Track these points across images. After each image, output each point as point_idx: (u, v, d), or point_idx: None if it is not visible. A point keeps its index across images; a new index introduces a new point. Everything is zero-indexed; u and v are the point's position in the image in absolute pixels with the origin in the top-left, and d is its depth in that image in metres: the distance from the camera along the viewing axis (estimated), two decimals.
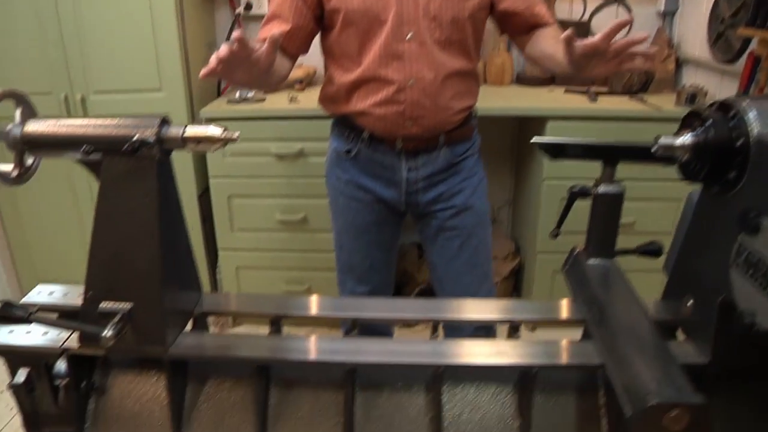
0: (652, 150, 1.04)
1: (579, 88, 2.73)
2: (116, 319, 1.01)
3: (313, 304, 1.22)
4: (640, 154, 1.19)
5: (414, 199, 1.73)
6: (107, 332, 0.98)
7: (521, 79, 2.92)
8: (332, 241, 1.92)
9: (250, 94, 2.52)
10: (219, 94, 2.86)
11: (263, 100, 2.55)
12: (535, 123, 2.54)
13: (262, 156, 2.43)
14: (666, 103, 2.50)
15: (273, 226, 2.51)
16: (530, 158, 2.70)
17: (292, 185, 2.45)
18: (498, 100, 2.59)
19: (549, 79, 2.87)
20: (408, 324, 2.60)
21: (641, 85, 2.67)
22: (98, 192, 1.01)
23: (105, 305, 1.03)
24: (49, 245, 2.72)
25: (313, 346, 1.09)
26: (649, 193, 2.32)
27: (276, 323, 1.21)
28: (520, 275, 2.91)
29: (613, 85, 2.72)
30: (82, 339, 1.06)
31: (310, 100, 2.50)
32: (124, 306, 1.02)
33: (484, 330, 1.81)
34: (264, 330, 1.18)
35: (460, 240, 1.76)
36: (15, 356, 1.12)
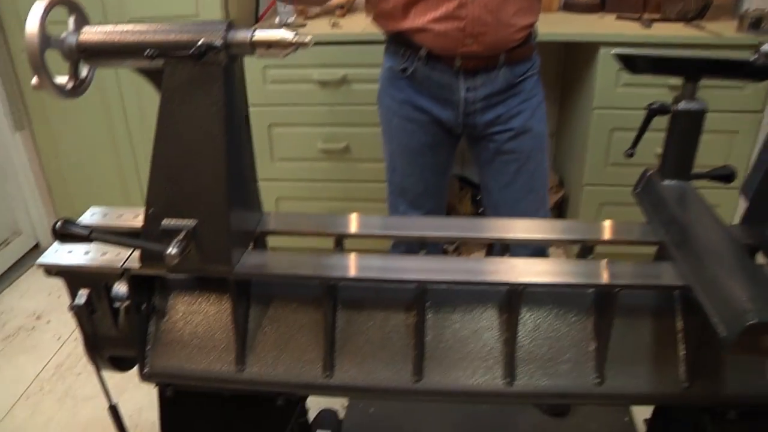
0: (752, 59, 0.96)
1: (631, 14, 2.59)
2: (180, 236, 0.96)
3: (377, 223, 1.17)
4: (728, 68, 1.11)
5: (471, 121, 1.66)
6: (171, 250, 0.93)
7: (569, 6, 2.78)
8: (375, 171, 1.86)
9: (291, 20, 2.43)
10: (257, 20, 2.76)
11: (304, 25, 2.45)
12: (584, 50, 2.43)
13: (304, 83, 2.35)
14: (726, 30, 2.36)
15: (314, 156, 2.45)
16: (579, 87, 2.59)
17: (335, 113, 2.38)
18: (544, 26, 2.47)
19: (599, 5, 2.73)
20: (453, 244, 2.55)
21: (698, 12, 2.52)
22: (160, 103, 0.95)
23: (168, 222, 0.98)
24: (83, 174, 2.69)
25: (383, 265, 1.04)
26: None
27: (340, 242, 1.16)
28: (564, 208, 2.85)
29: (666, 11, 2.57)
30: (144, 258, 1.02)
31: (352, 25, 2.40)
32: (188, 223, 0.98)
33: (540, 254, 1.77)
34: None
35: (518, 164, 1.69)
36: (75, 277, 1.09)
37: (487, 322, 1.10)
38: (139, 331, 1.11)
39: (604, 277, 1.03)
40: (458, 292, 1.11)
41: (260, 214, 1.16)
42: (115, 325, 1.13)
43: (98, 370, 1.20)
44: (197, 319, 1.12)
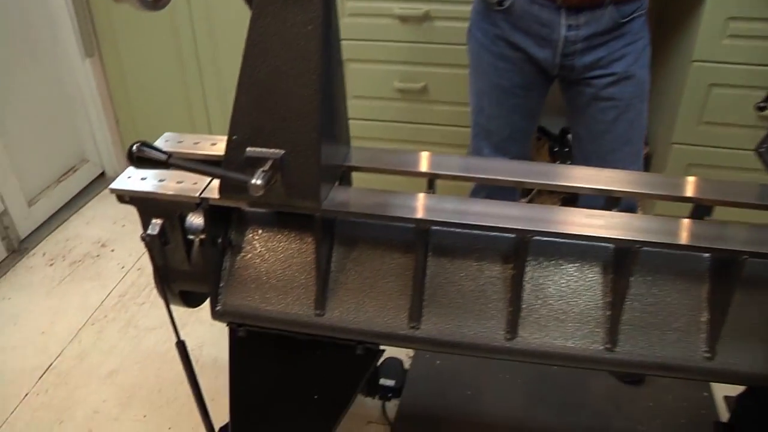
0: None
1: None
2: (266, 167, 0.88)
3: (469, 165, 1.07)
4: None
5: (569, 62, 1.52)
6: (256, 180, 0.85)
7: None
8: (453, 114, 1.74)
9: None
10: None
11: None
12: None
13: (384, 17, 2.21)
14: None
15: (390, 95, 2.33)
16: (677, 34, 2.38)
17: (415, 51, 2.24)
18: None
19: None
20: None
21: None
22: (251, 19, 0.85)
23: (253, 151, 0.90)
24: (150, 102, 2.64)
25: (482, 210, 0.94)
26: None
27: (432, 183, 1.07)
28: (646, 167, 2.67)
29: None
30: (224, 188, 0.94)
31: None
32: (275, 152, 0.89)
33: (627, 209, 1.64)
34: None
35: (616, 112, 1.55)
36: (148, 205, 1.02)
37: (590, 282, 1.00)
38: (213, 266, 1.04)
39: (725, 242, 0.91)
40: (560, 246, 1.01)
41: (348, 147, 1.06)
42: (188, 259, 1.07)
43: (167, 304, 1.15)
44: (276, 257, 1.04)
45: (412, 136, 2.43)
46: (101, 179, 2.83)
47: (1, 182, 2.30)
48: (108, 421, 1.74)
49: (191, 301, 1.19)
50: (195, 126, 2.65)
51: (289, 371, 1.11)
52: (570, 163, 2.60)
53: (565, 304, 1.00)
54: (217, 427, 1.32)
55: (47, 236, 2.50)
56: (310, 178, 0.89)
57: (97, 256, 2.38)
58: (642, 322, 0.99)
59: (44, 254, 2.41)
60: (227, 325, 1.10)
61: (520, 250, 0.95)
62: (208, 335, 1.92)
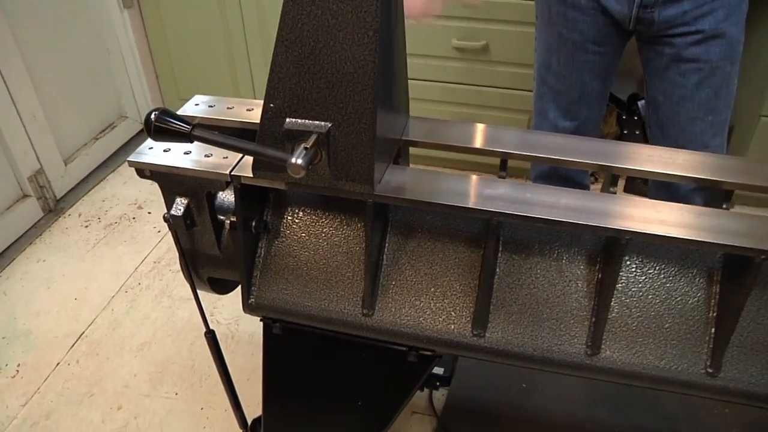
0: None
1: None
2: (309, 142, 0.72)
3: (544, 142, 0.90)
4: None
5: (648, 16, 1.31)
6: (296, 159, 0.69)
7: None
8: (516, 76, 1.54)
9: None
10: None
11: None
12: None
13: None
14: None
15: (447, 54, 2.14)
16: None
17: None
18: None
19: None
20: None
21: None
22: None
23: (293, 123, 0.74)
24: (191, 58, 2.49)
25: (571, 203, 0.77)
26: None
27: (504, 165, 0.90)
28: (727, 141, 2.44)
29: None
30: (258, 166, 0.79)
31: None
32: (321, 125, 0.73)
33: (702, 193, 1.45)
34: None
35: (700, 75, 1.34)
36: (171, 182, 0.88)
37: (694, 292, 0.83)
38: (246, 252, 0.89)
39: None
40: (660, 251, 0.83)
41: (406, 117, 0.90)
42: (218, 243, 0.93)
43: (195, 290, 1.01)
44: (318, 244, 0.89)
45: (470, 99, 2.24)
46: (140, 136, 2.71)
47: (37, 140, 2.19)
48: (138, 397, 1.65)
49: (221, 287, 1.06)
50: (238, 83, 2.50)
51: (329, 374, 0.98)
52: (639, 134, 2.38)
53: (660, 317, 0.83)
54: (252, 417, 1.20)
55: (83, 196, 2.40)
56: (362, 156, 0.74)
57: (133, 218, 2.28)
58: (754, 344, 0.82)
59: (80, 215, 2.31)
60: (261, 320, 0.96)
61: (612, 251, 0.78)
62: None
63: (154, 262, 2.07)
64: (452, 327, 0.85)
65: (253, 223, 0.88)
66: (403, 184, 0.79)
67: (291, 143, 0.73)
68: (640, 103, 2.37)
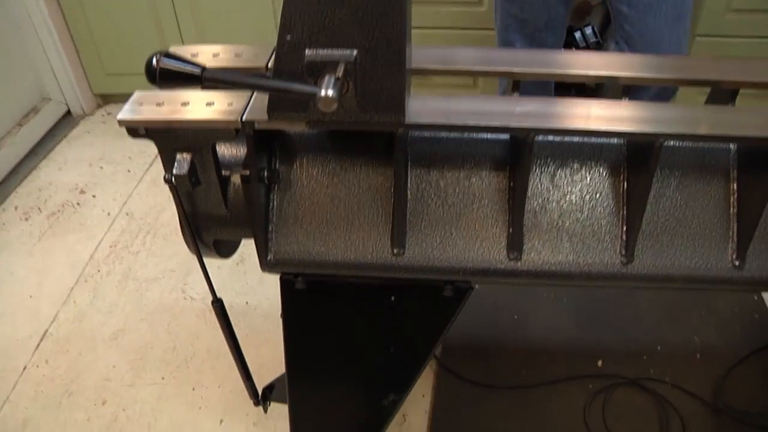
0: None
1: None
2: (339, 71, 0.67)
3: (554, 60, 0.87)
4: None
5: None
6: (327, 91, 0.64)
7: None
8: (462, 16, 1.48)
9: None
10: None
11: None
12: None
13: None
14: None
15: None
16: None
17: None
18: None
19: None
20: None
21: None
22: None
23: (315, 54, 0.68)
24: (116, 31, 2.33)
25: (596, 112, 0.75)
26: None
27: (517, 85, 0.87)
28: None
29: None
30: (275, 107, 0.73)
31: None
32: (347, 54, 0.68)
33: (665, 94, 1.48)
34: None
35: None
36: (171, 138, 0.81)
37: (715, 192, 0.83)
38: (259, 207, 0.84)
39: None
40: (686, 152, 0.83)
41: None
42: (224, 201, 0.87)
43: (200, 258, 0.95)
44: (334, 188, 0.85)
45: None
46: (68, 119, 2.55)
47: None
48: (122, 389, 1.57)
49: (224, 250, 1.00)
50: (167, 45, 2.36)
51: (357, 325, 0.94)
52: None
53: (687, 219, 0.83)
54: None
55: (16, 188, 2.24)
56: (392, 83, 0.69)
57: (78, 204, 2.14)
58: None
59: (16, 208, 2.15)
60: (280, 278, 0.91)
61: (644, 157, 0.77)
62: (228, 280, 1.75)
63: (110, 247, 1.96)
64: (487, 254, 0.83)
65: (265, 173, 0.82)
66: (429, 111, 0.75)
67: (313, 77, 0.68)
68: (576, 33, 2.39)
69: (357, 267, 0.85)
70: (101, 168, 2.26)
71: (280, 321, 1.65)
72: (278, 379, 1.18)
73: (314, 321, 0.94)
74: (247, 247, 1.85)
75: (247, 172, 0.81)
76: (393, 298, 0.89)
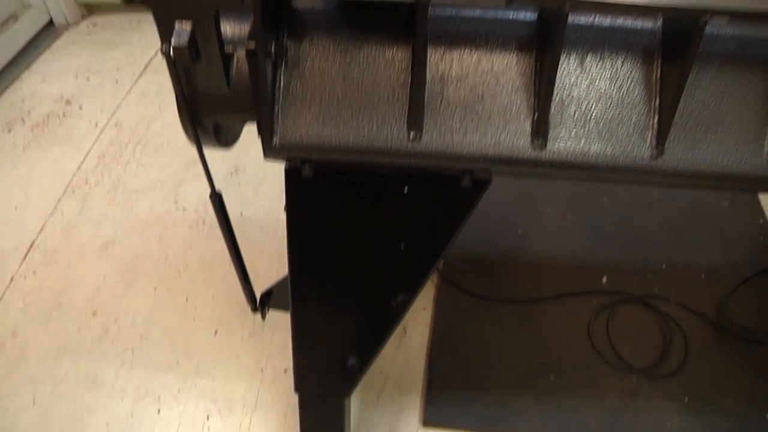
0: None
1: None
2: None
3: None
4: None
5: None
6: None
7: None
8: None
9: None
10: None
11: None
12: None
13: None
14: None
15: None
16: None
17: None
18: None
19: None
20: None
21: None
22: None
23: None
24: None
25: None
26: None
27: None
28: None
29: None
30: None
31: None
32: None
33: None
34: None
35: None
36: (170, 3, 0.73)
37: (754, 83, 0.77)
38: (265, 85, 0.77)
39: None
40: (726, 39, 0.77)
41: None
42: (226, 79, 0.80)
43: (199, 145, 0.88)
44: (348, 67, 0.78)
45: None
46: (51, 30, 2.43)
47: None
48: (113, 300, 1.52)
49: (223, 137, 0.94)
50: None
51: (367, 218, 0.88)
52: None
53: (721, 111, 0.77)
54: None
55: None
56: None
57: (63, 115, 2.06)
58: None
59: None
60: (285, 166, 0.85)
61: (684, 40, 0.71)
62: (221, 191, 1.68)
63: (99, 157, 1.88)
64: (510, 141, 0.77)
65: (272, 48, 0.75)
66: None
67: None
68: None
69: (369, 152, 0.79)
70: (88, 79, 2.16)
71: (276, 232, 1.62)
72: (277, 285, 1.13)
73: (321, 213, 0.88)
74: (242, 157, 1.80)
75: (253, 45, 0.73)
76: (407, 189, 0.84)
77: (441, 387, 1.31)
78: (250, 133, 1.91)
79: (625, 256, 1.55)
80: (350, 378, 0.99)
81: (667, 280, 1.50)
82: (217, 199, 0.95)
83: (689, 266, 1.55)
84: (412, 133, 0.77)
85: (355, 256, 0.91)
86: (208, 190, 0.92)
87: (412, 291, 0.91)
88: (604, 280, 1.49)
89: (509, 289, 1.45)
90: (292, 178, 0.85)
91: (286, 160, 0.83)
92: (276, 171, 0.87)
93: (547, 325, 1.40)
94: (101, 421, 1.30)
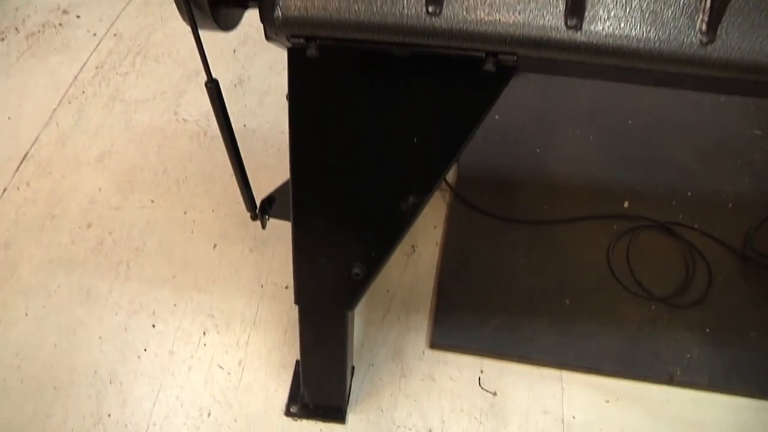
0: None
1: None
2: None
3: None
4: None
5: None
6: None
7: None
8: None
9: None
10: None
11: None
12: None
13: None
14: None
15: None
16: None
17: None
18: None
19: None
20: None
21: None
22: None
23: None
24: None
25: None
26: None
27: None
28: None
29: None
30: None
31: None
32: None
33: None
34: None
35: None
36: None
37: None
38: None
39: None
40: None
41: None
42: None
43: (194, 26, 0.79)
44: None
45: None
46: None
47: None
48: (108, 211, 1.46)
49: (222, 20, 0.84)
50: None
51: (377, 106, 0.79)
52: None
53: None
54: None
55: None
56: None
57: (60, 24, 1.95)
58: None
59: None
60: (288, 44, 0.75)
61: None
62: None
63: (96, 68, 1.79)
64: (541, 19, 0.68)
65: None
66: None
67: None
68: None
69: (382, 29, 0.69)
70: None
71: (280, 145, 1.53)
72: (279, 190, 1.06)
73: (326, 100, 0.80)
74: (247, 67, 1.71)
75: None
76: (422, 73, 0.75)
77: (450, 308, 1.24)
78: (256, 42, 1.82)
79: (649, 181, 1.47)
80: (354, 288, 0.92)
81: (693, 208, 1.42)
82: (213, 86, 0.87)
83: (716, 195, 1.47)
84: (430, 7, 0.68)
85: (362, 151, 0.83)
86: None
87: (424, 193, 0.83)
88: (626, 204, 1.41)
89: (525, 210, 1.38)
90: (295, 59, 0.76)
91: (290, 39, 0.74)
92: (282, 82, 0.77)
93: (564, 249, 1.33)
94: (94, 335, 1.25)
